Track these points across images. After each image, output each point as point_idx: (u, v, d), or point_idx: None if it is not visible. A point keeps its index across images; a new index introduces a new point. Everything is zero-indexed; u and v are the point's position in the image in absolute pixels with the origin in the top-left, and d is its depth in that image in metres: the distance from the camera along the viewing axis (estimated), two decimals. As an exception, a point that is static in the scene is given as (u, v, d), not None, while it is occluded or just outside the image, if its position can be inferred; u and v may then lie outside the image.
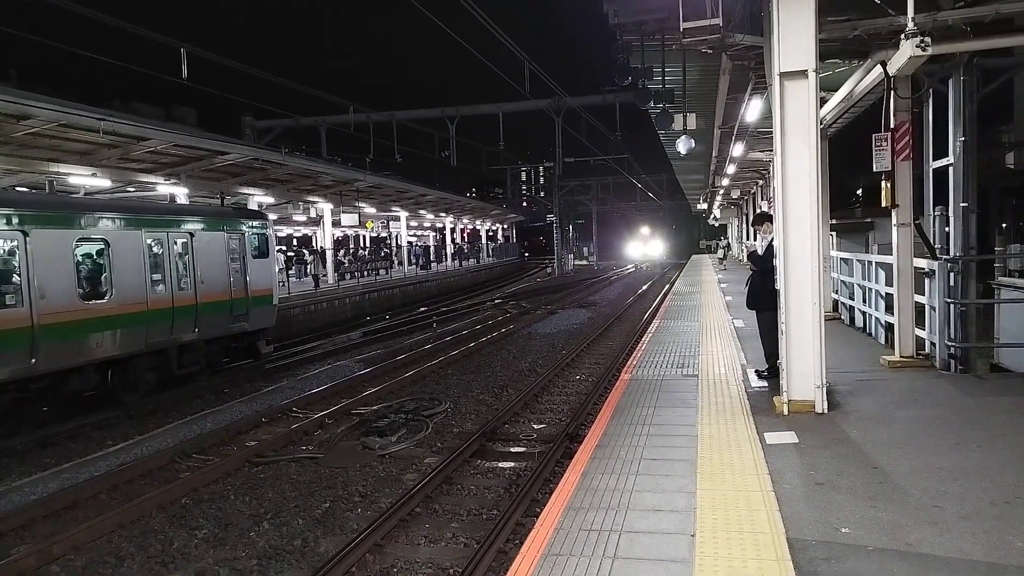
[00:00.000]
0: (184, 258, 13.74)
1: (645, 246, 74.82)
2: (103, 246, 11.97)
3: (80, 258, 11.63)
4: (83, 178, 16.46)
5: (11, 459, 9.96)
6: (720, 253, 40.23)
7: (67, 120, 13.67)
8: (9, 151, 14.89)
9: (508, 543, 6.28)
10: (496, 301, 30.93)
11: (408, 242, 46.31)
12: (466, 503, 7.62)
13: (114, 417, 11.85)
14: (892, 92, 8.27)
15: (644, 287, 36.22)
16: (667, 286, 31.23)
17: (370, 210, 34.53)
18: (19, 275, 10.42)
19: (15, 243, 10.42)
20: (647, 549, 4.23)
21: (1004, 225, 25.00)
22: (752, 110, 12.96)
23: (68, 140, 15.28)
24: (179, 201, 19.26)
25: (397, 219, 41.96)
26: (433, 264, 45.89)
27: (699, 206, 56.34)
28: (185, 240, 13.76)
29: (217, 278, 14.49)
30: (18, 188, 16.71)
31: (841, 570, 3.87)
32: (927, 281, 8.85)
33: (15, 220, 10.42)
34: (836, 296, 13.99)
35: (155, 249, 13.07)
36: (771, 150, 7.46)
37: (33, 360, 10.45)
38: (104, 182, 17.18)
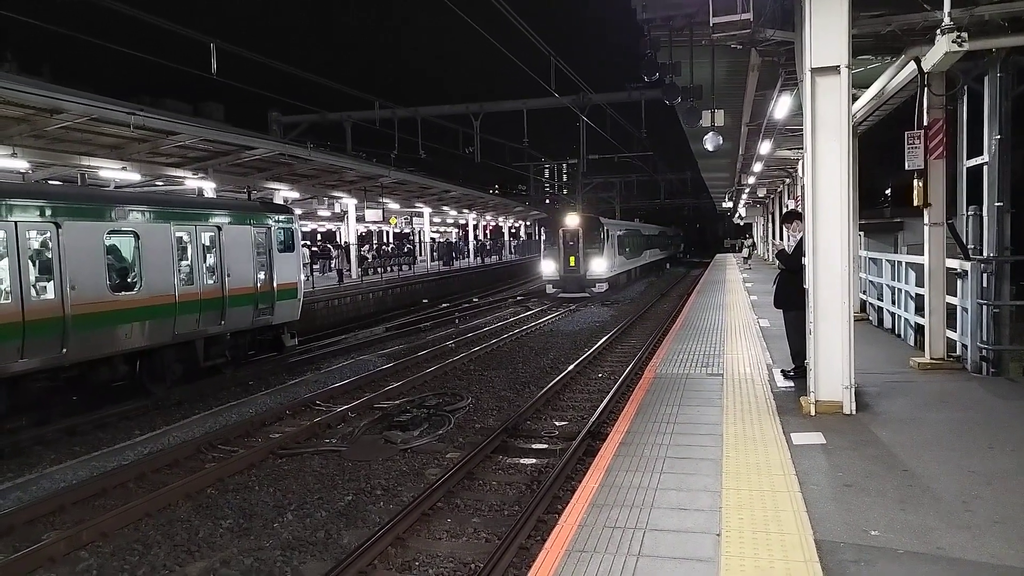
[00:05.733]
0: (211, 251, 13.89)
1: (562, 265, 29.51)
2: (133, 238, 12.14)
3: (110, 250, 11.80)
4: (113, 171, 16.73)
5: (42, 447, 10.15)
6: (745, 252, 39.71)
7: (98, 114, 13.88)
8: (42, 145, 15.17)
9: (529, 539, 6.28)
10: (518, 297, 30.91)
11: (432, 238, 46.44)
12: (488, 498, 7.63)
13: (142, 407, 12.04)
14: (926, 89, 8.12)
15: (668, 286, 35.98)
16: (692, 284, 30.98)
17: (394, 206, 34.69)
18: (51, 266, 10.61)
19: (47, 235, 10.61)
20: (672, 547, 4.20)
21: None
22: (781, 107, 12.79)
23: (99, 134, 15.52)
24: (206, 195, 19.49)
25: (420, 215, 42.09)
26: (456, 260, 45.96)
27: (724, 204, 55.90)
28: (213, 233, 13.90)
29: (243, 271, 14.63)
30: (51, 181, 17.02)
31: (871, 573, 3.81)
32: (959, 282, 8.68)
33: (48, 212, 10.60)
34: (864, 296, 13.78)
35: (183, 242, 13.24)
36: (799, 148, 7.38)
37: (64, 350, 10.62)
38: (134, 176, 17.44)
